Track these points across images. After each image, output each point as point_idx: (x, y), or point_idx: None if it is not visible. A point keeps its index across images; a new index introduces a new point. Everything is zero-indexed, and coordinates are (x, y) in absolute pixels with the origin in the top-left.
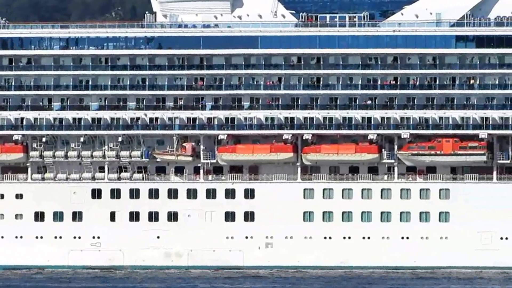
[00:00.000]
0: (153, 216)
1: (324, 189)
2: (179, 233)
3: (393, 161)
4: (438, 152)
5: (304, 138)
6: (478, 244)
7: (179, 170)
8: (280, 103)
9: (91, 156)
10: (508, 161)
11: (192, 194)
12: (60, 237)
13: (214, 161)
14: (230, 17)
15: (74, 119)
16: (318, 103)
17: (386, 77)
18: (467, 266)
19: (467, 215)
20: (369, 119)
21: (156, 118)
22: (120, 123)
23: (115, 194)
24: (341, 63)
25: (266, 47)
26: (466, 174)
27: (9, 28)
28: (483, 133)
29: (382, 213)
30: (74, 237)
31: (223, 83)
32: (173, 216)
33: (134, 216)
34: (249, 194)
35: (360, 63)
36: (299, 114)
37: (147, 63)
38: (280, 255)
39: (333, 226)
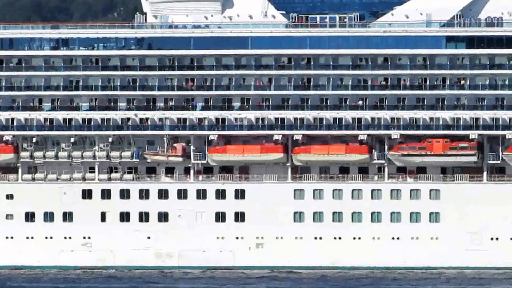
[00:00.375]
0: (144, 217)
1: (314, 190)
2: (170, 234)
3: (383, 161)
4: (429, 153)
5: (294, 138)
6: (469, 244)
7: (170, 171)
8: (270, 103)
9: (82, 156)
10: (498, 162)
11: (182, 194)
12: (51, 238)
13: (205, 161)
14: (220, 18)
15: (64, 119)
16: (309, 103)
17: (376, 77)
18: (457, 267)
19: (457, 216)
20: (359, 119)
21: (147, 119)
22: (111, 124)
23: (106, 194)
24: (331, 63)
25: (257, 48)
26: (457, 175)
27: None
28: (473, 134)
29: (372, 213)
30: (65, 238)
31: (214, 83)
32: (163, 217)
33: (125, 217)
34: (240, 194)
35: (351, 63)
36: (289, 115)
37: (138, 64)
38: (270, 256)
39: (323, 227)
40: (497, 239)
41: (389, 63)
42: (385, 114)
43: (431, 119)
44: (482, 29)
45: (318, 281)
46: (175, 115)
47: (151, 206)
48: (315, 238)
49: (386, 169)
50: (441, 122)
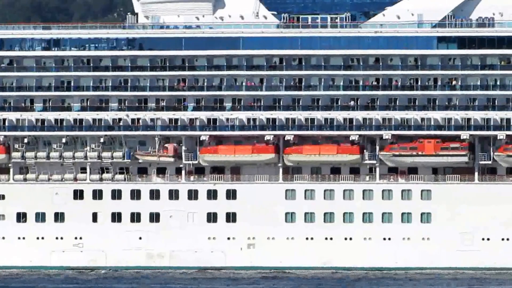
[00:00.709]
0: (135, 217)
1: (306, 190)
2: (161, 234)
3: (374, 162)
4: (420, 153)
5: (286, 139)
6: (460, 245)
7: (161, 171)
8: (262, 104)
9: (73, 157)
10: (490, 162)
11: (174, 195)
12: (42, 238)
13: (196, 162)
14: (212, 18)
15: (56, 120)
16: (300, 104)
17: (368, 78)
18: (449, 267)
19: (448, 216)
20: (351, 120)
21: (138, 119)
22: (102, 124)
23: (97, 195)
24: (323, 64)
25: (248, 48)
26: (448, 175)
27: None
28: (464, 134)
29: (364, 213)
30: (56, 238)
31: (205, 84)
32: (155, 217)
33: (116, 217)
34: (231, 195)
35: (342, 64)
36: (281, 115)
37: (129, 64)
38: (262, 256)
39: (315, 227)
40: (488, 239)
41: (381, 63)
42: (377, 115)
43: (422, 119)
44: (474, 30)
45: (309, 282)
46: (166, 115)
47: (143, 206)
48: (307, 238)
49: (378, 169)
50: (432, 123)
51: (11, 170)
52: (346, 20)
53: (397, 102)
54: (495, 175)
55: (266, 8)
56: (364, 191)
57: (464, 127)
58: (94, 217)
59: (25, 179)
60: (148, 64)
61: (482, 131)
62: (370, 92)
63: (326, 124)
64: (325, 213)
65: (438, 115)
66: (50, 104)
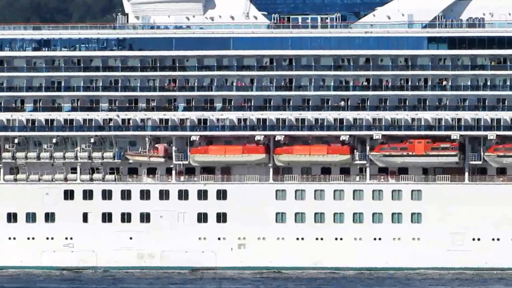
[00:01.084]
0: (126, 217)
1: (296, 190)
2: (152, 234)
3: (365, 162)
4: (410, 153)
5: (276, 139)
6: (450, 245)
7: (152, 171)
8: (252, 104)
9: (64, 157)
10: (480, 162)
11: (164, 195)
12: (33, 238)
13: (186, 162)
14: (202, 19)
15: (46, 120)
16: (291, 104)
17: (358, 78)
18: (439, 267)
19: (439, 216)
20: (341, 120)
21: (129, 119)
22: (93, 124)
23: (88, 195)
24: (313, 64)
25: (238, 49)
26: (438, 175)
27: None
28: (455, 134)
29: (354, 214)
30: (47, 238)
31: (196, 84)
32: (145, 217)
33: (107, 217)
34: (222, 195)
35: (332, 64)
36: (271, 115)
37: (120, 65)
38: (252, 256)
39: (305, 227)
40: (478, 239)
41: (371, 63)
42: (367, 115)
43: (413, 119)
44: (464, 30)
45: (300, 282)
46: (157, 115)
47: (133, 206)
48: (297, 238)
49: (368, 169)
50: (423, 123)
51: (2, 170)
52: (336, 20)
53: (388, 102)
54: (485, 175)
55: (256, 8)
56: (354, 191)
57: (454, 127)
58: (85, 217)
59: (15, 180)
60: (139, 65)
61: (472, 131)
62: (360, 92)
63: (316, 124)
64: (315, 213)
65: (428, 115)
66: (41, 105)
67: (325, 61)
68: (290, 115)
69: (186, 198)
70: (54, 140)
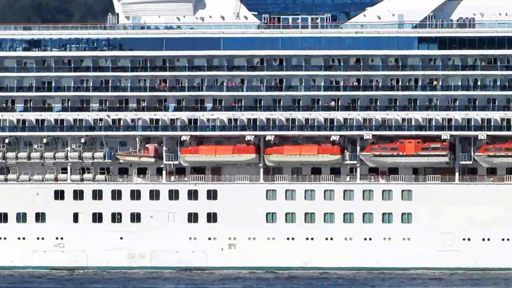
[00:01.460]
0: (116, 217)
1: (286, 190)
2: (142, 234)
3: (355, 162)
4: (401, 153)
5: (266, 139)
6: (441, 245)
7: (142, 171)
8: (242, 104)
9: (54, 157)
10: (470, 162)
11: (154, 195)
12: (24, 238)
13: (177, 162)
14: (192, 19)
15: (37, 120)
16: (281, 104)
17: (348, 78)
18: (429, 267)
19: (429, 216)
20: (331, 120)
21: (119, 119)
22: (83, 124)
23: (78, 195)
24: (303, 64)
25: (229, 49)
26: (428, 175)
27: None
28: (445, 134)
29: (344, 214)
30: (38, 238)
31: (186, 84)
32: (136, 217)
33: (97, 217)
34: (212, 195)
35: (323, 64)
36: (261, 116)
37: (110, 65)
38: (243, 256)
39: (296, 227)
40: (469, 239)
41: (361, 64)
42: (357, 115)
43: (403, 119)
44: (454, 30)
45: (290, 282)
46: (147, 115)
47: (124, 206)
48: (288, 238)
49: (358, 169)
50: (413, 123)
51: None
52: (326, 20)
53: (378, 102)
54: (475, 175)
55: (246, 8)
56: (345, 191)
57: (444, 128)
58: (75, 217)
59: (6, 180)
60: (129, 65)
61: (462, 131)
62: (351, 92)
63: (306, 124)
64: (306, 213)
65: (419, 116)
66: (31, 105)
67: (315, 61)
68: (281, 115)
69: (177, 198)
70: (44, 140)
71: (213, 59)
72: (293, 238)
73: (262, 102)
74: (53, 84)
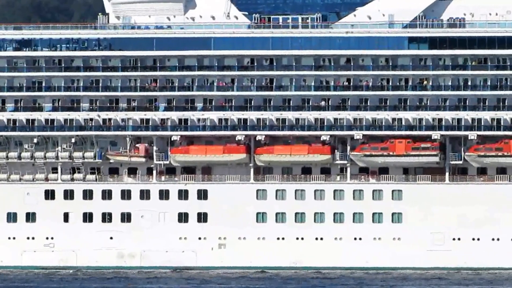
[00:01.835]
0: (106, 217)
1: (277, 190)
2: (132, 234)
3: (345, 162)
4: (391, 153)
5: (257, 139)
6: (431, 244)
7: (132, 171)
8: (233, 104)
9: (44, 157)
10: (460, 162)
11: (145, 195)
12: (14, 238)
13: (167, 162)
14: (183, 19)
15: (27, 120)
16: (271, 104)
17: (339, 78)
18: (419, 267)
19: (419, 216)
20: (322, 120)
21: (110, 119)
22: (74, 124)
23: (68, 195)
24: (294, 64)
25: (219, 49)
26: (419, 175)
27: None
28: (435, 134)
29: (335, 214)
30: (28, 238)
31: (176, 84)
32: (126, 217)
33: (88, 217)
34: (202, 195)
35: (313, 64)
36: (252, 115)
37: (100, 65)
38: (233, 256)
39: (286, 227)
40: (459, 239)
41: (352, 64)
42: (348, 115)
43: (393, 119)
44: (445, 30)
45: (281, 282)
46: (138, 115)
47: (114, 206)
48: (278, 238)
49: (349, 169)
50: (403, 123)
51: None
52: (317, 20)
53: (368, 102)
54: (466, 175)
55: (237, 8)
56: (335, 191)
57: (435, 127)
58: (66, 217)
59: None
60: (120, 65)
61: (453, 131)
62: (341, 92)
63: (297, 124)
64: (296, 213)
65: (409, 115)
66: (22, 104)
67: (305, 61)
68: (271, 115)
69: (167, 198)
70: (35, 140)
71: (204, 59)
72: (283, 238)
73: (253, 102)
74: (43, 84)
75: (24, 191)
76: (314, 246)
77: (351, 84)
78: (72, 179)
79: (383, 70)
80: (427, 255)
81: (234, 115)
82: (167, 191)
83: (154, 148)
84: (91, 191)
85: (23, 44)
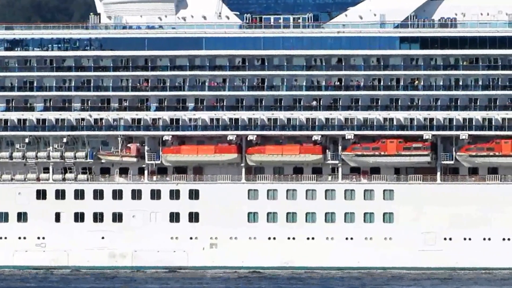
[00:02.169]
0: (98, 217)
1: (268, 190)
2: (124, 234)
3: (337, 162)
4: (382, 153)
5: (248, 139)
6: (422, 244)
7: (124, 171)
8: (224, 104)
9: (36, 157)
10: (452, 162)
11: (136, 194)
12: (5, 238)
13: (159, 162)
14: (174, 19)
15: (19, 120)
16: (263, 104)
17: (330, 78)
18: (411, 267)
19: (411, 216)
20: (313, 120)
21: (101, 119)
22: (65, 124)
23: (60, 194)
24: (285, 64)
25: (211, 48)
26: (410, 175)
27: None
28: (427, 134)
29: (326, 213)
30: (19, 238)
31: (168, 84)
32: (117, 217)
33: (79, 217)
34: (194, 195)
35: (305, 64)
36: (243, 115)
37: (92, 65)
38: (224, 256)
39: (277, 227)
40: (450, 239)
41: (343, 63)
42: (339, 115)
43: (385, 119)
44: (436, 30)
45: (271, 281)
46: (129, 115)
47: (106, 206)
48: (269, 238)
49: (340, 169)
50: (395, 123)
51: None
52: (308, 20)
53: (360, 102)
54: (457, 175)
55: (228, 8)
56: (326, 191)
57: (426, 127)
58: (57, 217)
59: None
60: (111, 64)
61: (444, 131)
62: (332, 92)
63: (288, 124)
64: (287, 213)
65: (400, 115)
66: (13, 104)
67: (297, 61)
68: (262, 115)
69: (159, 197)
70: (26, 140)
71: (195, 59)
72: (274, 238)
73: (244, 101)
74: (35, 84)
75: (16, 191)
76: (306, 246)
77: (343, 84)
78: (64, 179)
79: (374, 70)
80: (419, 255)
81: (226, 115)
82: (158, 191)
83: (146, 148)
84: (82, 191)
85: (14, 44)
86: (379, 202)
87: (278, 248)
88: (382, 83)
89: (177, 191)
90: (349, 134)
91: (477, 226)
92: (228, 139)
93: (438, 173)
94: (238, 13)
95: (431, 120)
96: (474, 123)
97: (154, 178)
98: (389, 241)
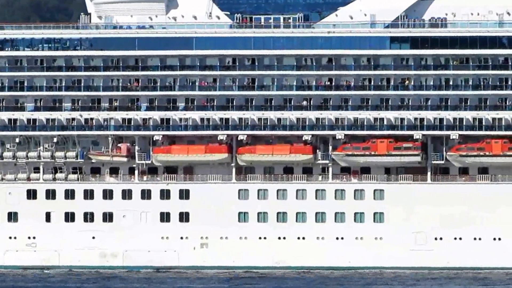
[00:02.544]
0: (88, 217)
1: (259, 190)
2: (114, 234)
3: (327, 161)
4: (373, 153)
5: (239, 138)
6: (413, 244)
7: (114, 171)
8: (215, 104)
9: (26, 156)
10: (442, 162)
11: (127, 194)
12: None
13: (149, 161)
14: (165, 18)
15: (9, 119)
16: (253, 104)
17: (320, 78)
18: (401, 267)
19: (401, 216)
20: (303, 120)
21: (91, 119)
22: (56, 124)
23: (50, 194)
24: (275, 64)
25: (201, 48)
26: (401, 175)
27: None
28: (417, 134)
29: (316, 213)
30: (10, 238)
31: (158, 84)
32: (108, 217)
33: (70, 217)
34: (184, 194)
35: (295, 64)
36: (234, 115)
37: (82, 64)
38: (215, 256)
39: (268, 227)
40: (441, 239)
41: (334, 63)
42: (330, 115)
43: (375, 119)
44: (426, 30)
45: (261, 280)
46: (119, 115)
47: (96, 206)
48: (260, 238)
49: (330, 169)
50: (385, 123)
51: None
52: (299, 20)
53: (350, 102)
54: (447, 175)
55: (219, 8)
56: (317, 191)
57: (417, 127)
58: (48, 216)
59: None
60: (101, 64)
61: (434, 131)
62: (323, 92)
63: (279, 124)
64: (278, 213)
65: (391, 115)
66: (4, 104)
67: (287, 61)
68: (253, 115)
69: (149, 197)
70: (17, 140)
71: (186, 59)
72: (265, 238)
73: (235, 101)
74: (25, 84)
75: (6, 190)
76: (296, 246)
77: (333, 83)
78: (54, 179)
79: (365, 70)
80: (409, 255)
81: (216, 115)
82: (149, 191)
83: (136, 147)
84: (73, 191)
85: (5, 43)
86: (370, 202)
87: (268, 248)
88: (372, 83)
89: (168, 191)
90: (339, 134)
91: (468, 226)
92: (218, 139)
93: (429, 173)
94: (228, 13)
95: (422, 120)
96: (464, 123)
97: (145, 178)
98: (379, 241)
